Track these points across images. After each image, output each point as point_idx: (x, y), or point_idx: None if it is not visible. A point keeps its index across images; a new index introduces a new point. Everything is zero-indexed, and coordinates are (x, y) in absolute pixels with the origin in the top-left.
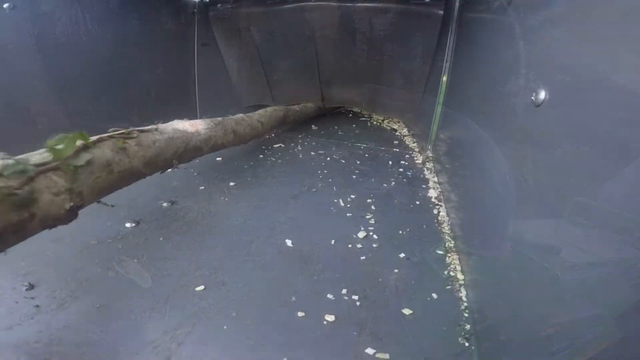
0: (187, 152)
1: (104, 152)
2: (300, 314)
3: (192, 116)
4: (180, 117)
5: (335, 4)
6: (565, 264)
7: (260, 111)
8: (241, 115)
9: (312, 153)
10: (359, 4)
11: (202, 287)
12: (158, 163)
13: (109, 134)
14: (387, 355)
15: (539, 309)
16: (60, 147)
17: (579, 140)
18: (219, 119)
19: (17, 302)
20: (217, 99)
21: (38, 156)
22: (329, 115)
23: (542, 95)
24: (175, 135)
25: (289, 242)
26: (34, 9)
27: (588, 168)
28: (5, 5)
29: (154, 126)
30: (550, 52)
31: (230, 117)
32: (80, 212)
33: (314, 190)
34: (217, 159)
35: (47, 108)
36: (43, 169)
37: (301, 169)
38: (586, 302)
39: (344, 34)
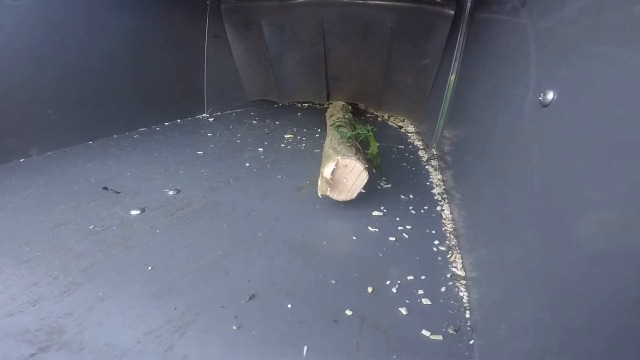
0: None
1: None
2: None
3: (199, 106)
4: (188, 105)
5: (347, 0)
6: (568, 262)
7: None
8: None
9: (317, 151)
10: (371, 1)
11: (206, 276)
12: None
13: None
14: (440, 337)
15: (539, 307)
16: None
17: (585, 141)
18: (340, 103)
19: (19, 289)
20: (224, 90)
21: None
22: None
23: (550, 95)
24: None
25: (293, 234)
26: None
27: (593, 168)
28: None
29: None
30: (560, 53)
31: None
32: (86, 199)
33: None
34: (222, 152)
35: (56, 97)
36: None
37: (305, 163)
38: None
39: (354, 30)
